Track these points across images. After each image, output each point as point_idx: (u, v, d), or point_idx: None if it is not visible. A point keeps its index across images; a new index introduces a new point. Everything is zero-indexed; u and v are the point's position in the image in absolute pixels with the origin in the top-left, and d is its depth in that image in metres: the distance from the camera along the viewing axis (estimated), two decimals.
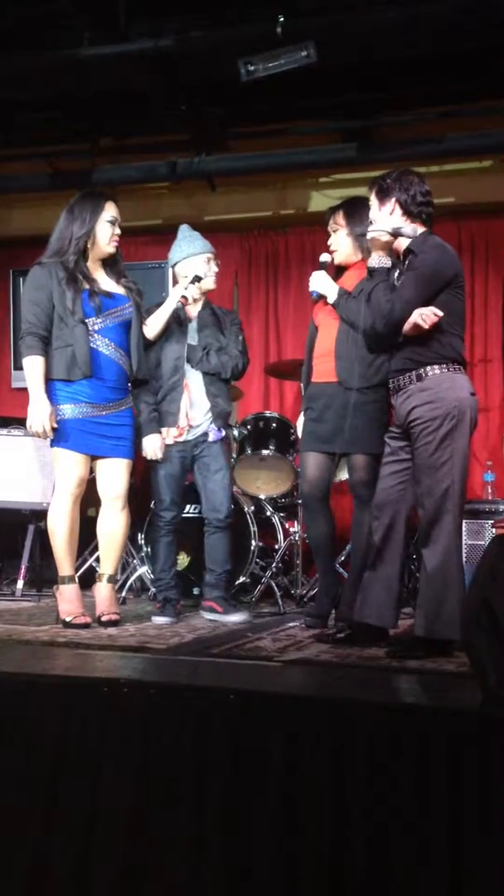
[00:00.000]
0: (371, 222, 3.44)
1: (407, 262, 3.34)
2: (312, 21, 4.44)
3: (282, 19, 4.37)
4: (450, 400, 3.23)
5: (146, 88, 5.15)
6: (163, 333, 4.20)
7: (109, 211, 3.90)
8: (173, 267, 4.36)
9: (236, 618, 4.08)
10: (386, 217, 3.36)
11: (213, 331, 4.31)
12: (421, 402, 3.25)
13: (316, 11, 4.45)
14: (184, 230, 4.40)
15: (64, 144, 5.97)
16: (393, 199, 3.34)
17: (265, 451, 5.06)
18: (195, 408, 4.23)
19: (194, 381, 4.24)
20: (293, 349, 6.05)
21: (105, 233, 3.89)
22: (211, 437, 4.23)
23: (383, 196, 3.36)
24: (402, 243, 3.36)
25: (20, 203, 6.34)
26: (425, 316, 3.19)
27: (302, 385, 4.14)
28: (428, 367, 3.27)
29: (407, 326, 3.25)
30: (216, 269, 4.33)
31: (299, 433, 4.14)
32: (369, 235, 3.40)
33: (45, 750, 2.46)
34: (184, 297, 4.14)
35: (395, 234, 3.34)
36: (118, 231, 3.93)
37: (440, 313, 3.20)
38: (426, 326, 3.20)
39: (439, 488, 3.21)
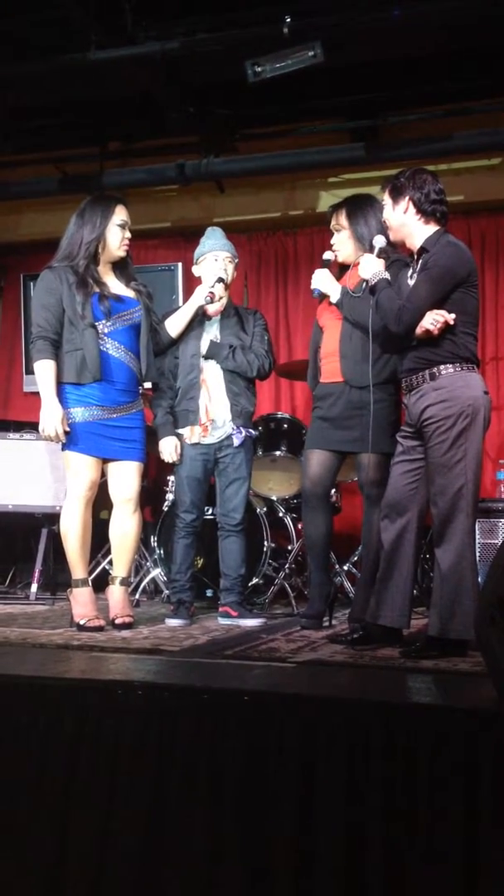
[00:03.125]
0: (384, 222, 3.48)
1: (420, 261, 3.34)
2: (319, 21, 4.44)
3: (288, 20, 4.37)
4: (463, 399, 3.22)
5: (154, 91, 5.16)
6: (184, 331, 4.19)
7: (119, 215, 3.90)
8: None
9: (252, 622, 4.05)
10: (399, 216, 3.37)
11: (236, 330, 4.28)
12: (434, 401, 3.25)
13: (322, 11, 4.46)
14: (206, 232, 4.37)
15: (73, 148, 5.99)
16: (406, 198, 3.34)
17: (277, 452, 5.06)
18: (215, 404, 4.18)
19: (214, 378, 4.20)
20: (304, 350, 6.02)
21: (115, 237, 3.89)
22: (235, 442, 4.17)
23: (397, 195, 3.37)
24: (415, 242, 3.36)
25: (30, 207, 6.36)
26: (435, 321, 3.20)
27: (310, 386, 4.13)
28: (441, 366, 3.26)
29: (419, 331, 3.25)
30: (223, 266, 4.24)
31: None
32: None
33: (60, 752, 2.47)
34: (211, 292, 4.12)
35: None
36: (128, 235, 3.93)
37: (449, 316, 3.20)
38: (436, 332, 3.21)
39: (453, 487, 3.20)
